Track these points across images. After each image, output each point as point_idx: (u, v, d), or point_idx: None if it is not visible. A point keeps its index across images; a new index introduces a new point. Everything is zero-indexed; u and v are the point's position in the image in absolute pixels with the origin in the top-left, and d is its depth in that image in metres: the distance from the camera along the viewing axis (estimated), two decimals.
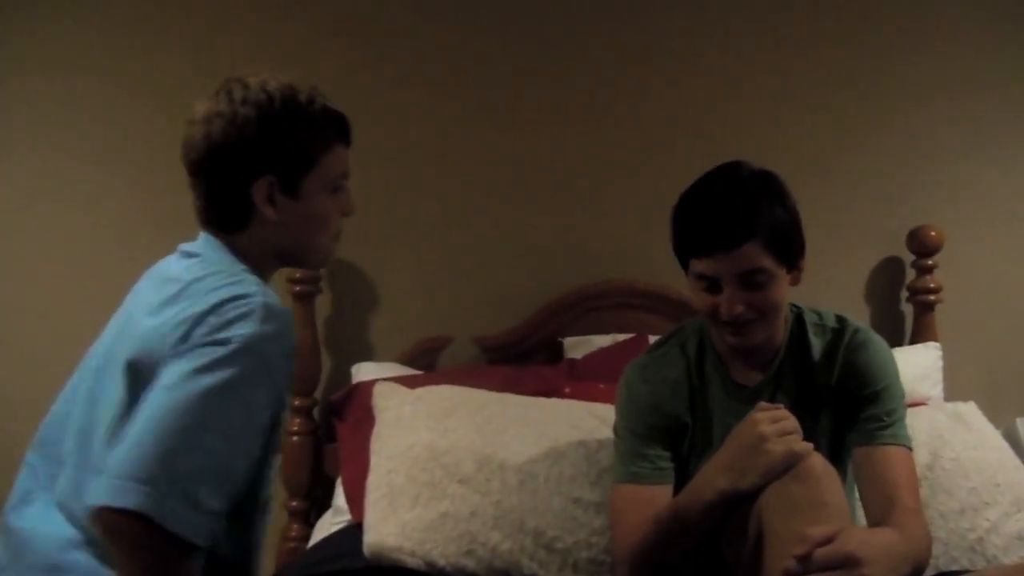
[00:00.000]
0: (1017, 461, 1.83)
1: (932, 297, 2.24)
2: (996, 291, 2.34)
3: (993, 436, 1.87)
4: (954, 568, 1.62)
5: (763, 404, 1.32)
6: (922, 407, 1.96)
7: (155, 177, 2.14)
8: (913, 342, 2.27)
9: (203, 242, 1.26)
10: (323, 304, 2.19)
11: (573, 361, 2.09)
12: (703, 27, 2.27)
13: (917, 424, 1.83)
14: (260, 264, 1.26)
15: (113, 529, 1.04)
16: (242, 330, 1.09)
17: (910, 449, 1.44)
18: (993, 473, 1.75)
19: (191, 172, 1.24)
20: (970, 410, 1.92)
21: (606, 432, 1.71)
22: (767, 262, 1.33)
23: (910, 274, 2.29)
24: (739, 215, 1.32)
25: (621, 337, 2.09)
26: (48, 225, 2.17)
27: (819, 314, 1.53)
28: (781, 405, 1.32)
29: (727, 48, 2.28)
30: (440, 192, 2.23)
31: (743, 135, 2.24)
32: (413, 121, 2.22)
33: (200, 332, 1.10)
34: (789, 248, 1.37)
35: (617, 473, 1.50)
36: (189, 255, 1.26)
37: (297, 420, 2.09)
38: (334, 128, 1.27)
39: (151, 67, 2.16)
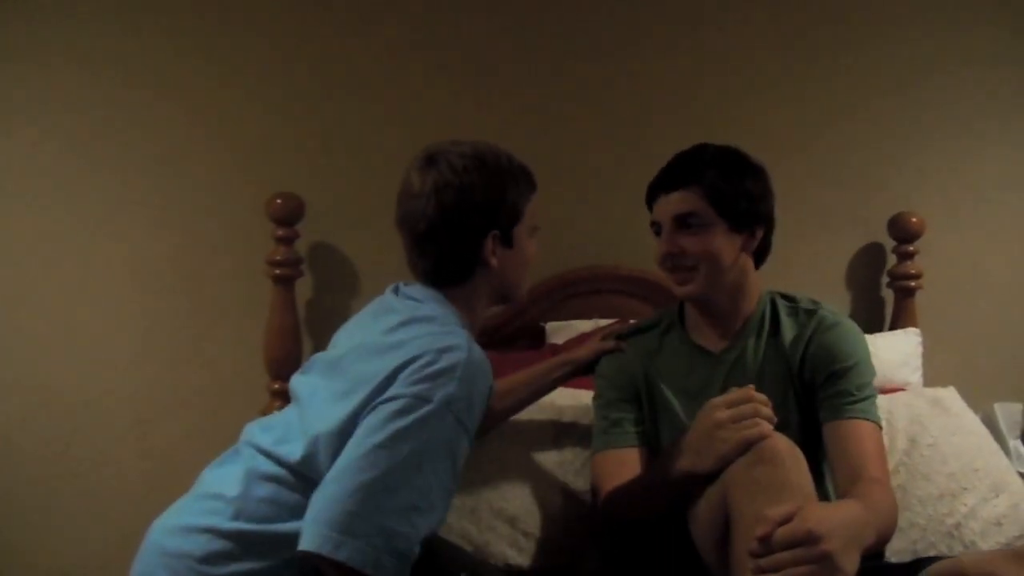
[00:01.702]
0: (995, 446, 1.84)
1: (913, 283, 2.25)
2: (976, 277, 2.35)
3: (972, 421, 1.88)
4: (931, 553, 1.63)
5: (732, 390, 1.34)
6: (901, 392, 1.97)
7: (137, 167, 2.13)
8: (893, 328, 2.28)
9: (421, 290, 1.38)
10: (304, 287, 2.17)
11: (556, 346, 2.09)
12: (684, 12, 2.26)
13: (896, 410, 1.85)
14: (475, 308, 1.41)
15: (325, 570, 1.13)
16: (446, 389, 1.18)
17: (879, 427, 1.46)
18: (971, 458, 1.76)
19: (420, 239, 1.36)
20: (949, 395, 1.94)
21: (589, 418, 1.71)
22: (700, 208, 1.47)
23: (891, 260, 2.30)
24: (681, 167, 1.51)
25: (603, 322, 2.09)
26: (26, 213, 2.13)
27: (794, 297, 1.59)
28: (751, 388, 1.32)
29: (708, 34, 2.27)
30: None
31: (725, 121, 2.24)
32: (395, 105, 2.20)
33: (406, 377, 1.19)
34: (732, 207, 1.48)
35: (594, 444, 1.60)
36: (409, 297, 1.39)
37: (276, 405, 2.07)
38: (529, 181, 1.42)
39: (132, 53, 2.12)
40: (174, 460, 2.14)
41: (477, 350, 1.25)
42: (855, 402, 1.44)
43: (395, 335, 1.28)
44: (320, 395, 1.28)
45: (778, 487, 1.17)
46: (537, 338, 2.17)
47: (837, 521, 1.08)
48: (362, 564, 1.10)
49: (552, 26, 2.23)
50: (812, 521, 1.06)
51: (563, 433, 1.78)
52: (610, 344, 1.66)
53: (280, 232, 2.06)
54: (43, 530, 2.14)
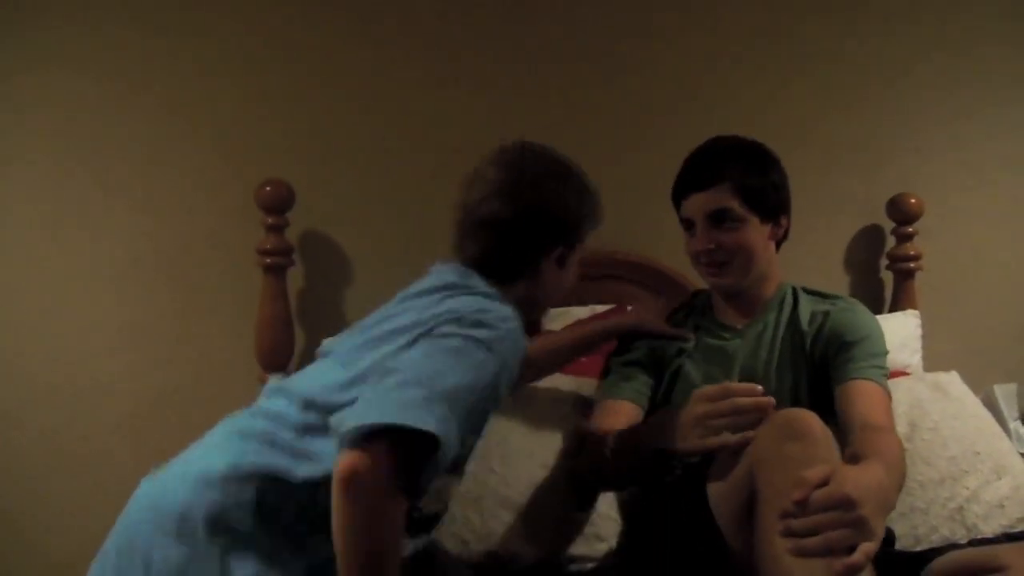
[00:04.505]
0: (997, 429, 1.84)
1: (912, 265, 2.24)
2: (975, 258, 2.35)
3: (974, 404, 1.88)
4: (934, 537, 1.62)
5: (725, 384, 1.35)
6: (902, 378, 1.96)
7: (123, 155, 2.10)
8: (893, 310, 2.27)
9: (463, 269, 1.32)
10: (295, 277, 2.14)
11: (552, 333, 2.06)
12: (682, 2, 2.24)
13: (897, 395, 1.82)
14: None
15: (358, 465, 1.01)
16: (497, 329, 1.16)
17: (888, 395, 1.52)
18: (973, 441, 1.76)
19: (478, 224, 1.32)
20: (951, 379, 1.93)
21: (590, 404, 1.70)
22: (735, 205, 1.54)
23: (890, 242, 2.29)
24: (712, 163, 1.57)
25: (600, 308, 2.07)
26: (11, 206, 2.10)
27: (818, 291, 1.69)
28: (753, 386, 1.30)
29: (708, 20, 2.25)
30: (415, 163, 2.18)
31: (725, 105, 2.23)
32: (389, 94, 2.17)
33: (454, 321, 1.16)
34: (761, 200, 1.56)
35: (602, 391, 1.68)
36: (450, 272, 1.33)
37: None
38: (599, 213, 1.42)
39: (116, 42, 2.09)
40: (166, 453, 2.10)
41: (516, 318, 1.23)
42: (864, 367, 1.51)
43: (436, 295, 1.24)
44: (354, 341, 1.25)
45: (808, 462, 1.16)
46: (533, 324, 2.14)
47: (871, 486, 1.09)
48: (438, 430, 1.03)
49: (553, 16, 2.20)
50: (849, 485, 1.07)
51: (570, 422, 1.75)
52: (681, 332, 1.67)
53: (270, 220, 2.03)
54: (32, 525, 2.12)
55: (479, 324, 1.16)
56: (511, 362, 1.19)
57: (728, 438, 1.26)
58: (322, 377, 1.23)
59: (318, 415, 1.16)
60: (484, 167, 1.35)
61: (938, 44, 2.30)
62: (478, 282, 1.29)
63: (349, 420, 1.04)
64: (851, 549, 1.04)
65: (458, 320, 1.16)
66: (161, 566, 1.11)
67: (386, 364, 1.13)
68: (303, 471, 1.12)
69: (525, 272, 1.34)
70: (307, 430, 1.15)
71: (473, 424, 1.16)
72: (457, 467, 1.32)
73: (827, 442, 1.22)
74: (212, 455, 1.19)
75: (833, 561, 1.04)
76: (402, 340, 1.16)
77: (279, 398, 1.23)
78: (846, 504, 1.05)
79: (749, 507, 1.22)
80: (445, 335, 1.14)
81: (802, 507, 1.07)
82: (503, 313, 1.20)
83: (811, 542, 1.05)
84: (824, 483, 1.08)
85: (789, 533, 1.07)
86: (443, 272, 1.32)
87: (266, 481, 1.13)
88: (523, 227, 1.31)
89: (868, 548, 1.04)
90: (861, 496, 1.06)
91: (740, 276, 1.60)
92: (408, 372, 1.09)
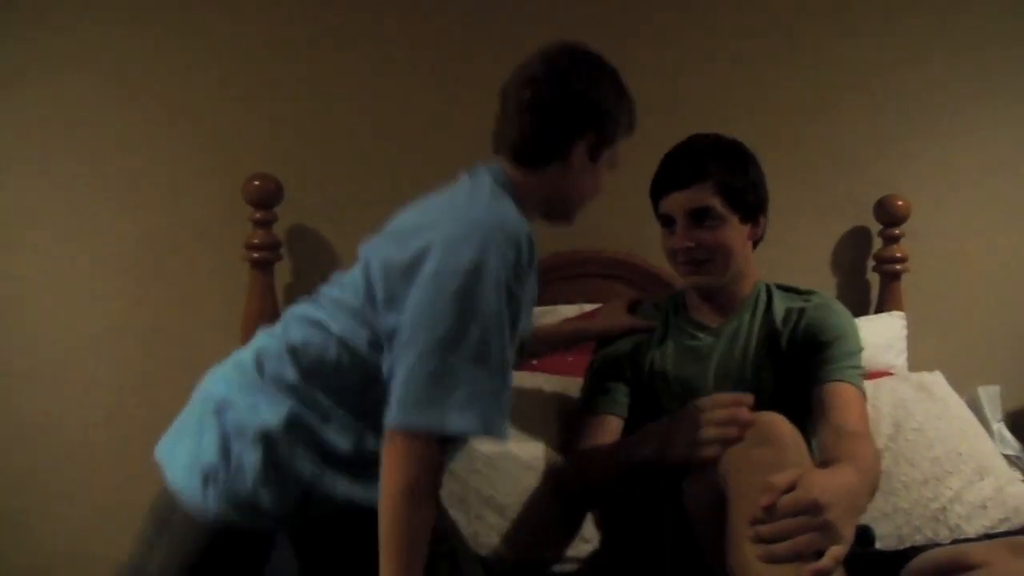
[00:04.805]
0: (980, 430, 1.85)
1: (898, 267, 2.24)
2: (961, 261, 2.36)
3: (957, 405, 1.88)
4: (917, 538, 1.63)
5: (716, 396, 1.35)
6: (886, 378, 1.97)
7: (110, 148, 2.09)
8: (879, 311, 2.28)
9: (490, 171, 1.35)
10: (283, 272, 2.13)
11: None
12: (671, 1, 2.24)
13: (881, 395, 1.85)
14: (529, 205, 1.35)
15: (408, 455, 1.13)
16: (483, 253, 1.16)
17: (863, 394, 1.50)
18: (956, 442, 1.77)
19: (519, 107, 1.34)
20: (935, 380, 1.94)
21: (574, 405, 1.69)
22: (716, 204, 1.53)
23: (877, 244, 2.30)
24: (694, 161, 1.56)
25: (588, 307, 2.07)
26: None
27: (792, 287, 1.68)
28: (743, 398, 1.31)
29: (695, 22, 2.25)
30: (403, 159, 2.17)
31: (712, 106, 2.23)
32: (378, 90, 2.16)
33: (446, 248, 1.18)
34: (742, 200, 1.55)
35: (580, 403, 1.69)
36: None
37: None
38: (634, 120, 1.43)
39: (100, 36, 2.07)
40: (151, 447, 2.10)
41: (522, 222, 1.24)
42: (838, 369, 1.50)
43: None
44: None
45: (777, 467, 1.17)
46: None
47: (838, 490, 1.10)
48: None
49: (538, 14, 2.19)
50: (816, 490, 1.07)
51: (555, 423, 1.76)
52: (643, 323, 1.70)
53: (258, 215, 2.02)
54: (15, 520, 2.10)
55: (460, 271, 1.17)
56: (508, 267, 1.19)
57: (714, 451, 1.26)
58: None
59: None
60: (528, 61, 1.38)
61: (926, 47, 2.31)
62: (485, 191, 1.31)
63: (395, 418, 1.13)
64: (820, 554, 1.05)
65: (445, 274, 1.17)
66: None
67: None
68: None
69: (557, 156, 1.34)
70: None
71: (511, 332, 1.19)
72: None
73: (796, 446, 1.22)
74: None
75: (801, 566, 1.05)
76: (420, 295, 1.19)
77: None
78: (813, 509, 1.06)
79: (722, 513, 1.22)
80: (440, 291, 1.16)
81: (770, 512, 1.08)
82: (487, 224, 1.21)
83: (779, 548, 1.06)
84: (792, 488, 1.08)
85: (758, 539, 1.08)
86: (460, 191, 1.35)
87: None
88: (557, 108, 1.32)
89: (837, 552, 1.05)
90: (829, 500, 1.07)
91: (718, 275, 1.59)
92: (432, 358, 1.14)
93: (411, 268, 1.20)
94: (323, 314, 1.29)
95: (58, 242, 2.09)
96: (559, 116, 1.33)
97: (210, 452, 1.21)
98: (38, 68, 2.06)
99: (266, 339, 1.32)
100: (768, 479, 1.10)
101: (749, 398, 1.30)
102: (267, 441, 1.20)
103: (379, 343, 1.23)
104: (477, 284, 1.14)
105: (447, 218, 1.24)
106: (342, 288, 1.32)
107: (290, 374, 1.24)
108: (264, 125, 2.13)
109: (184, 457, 1.25)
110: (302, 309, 1.35)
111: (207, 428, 1.24)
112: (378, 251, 1.30)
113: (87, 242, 2.10)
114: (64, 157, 2.08)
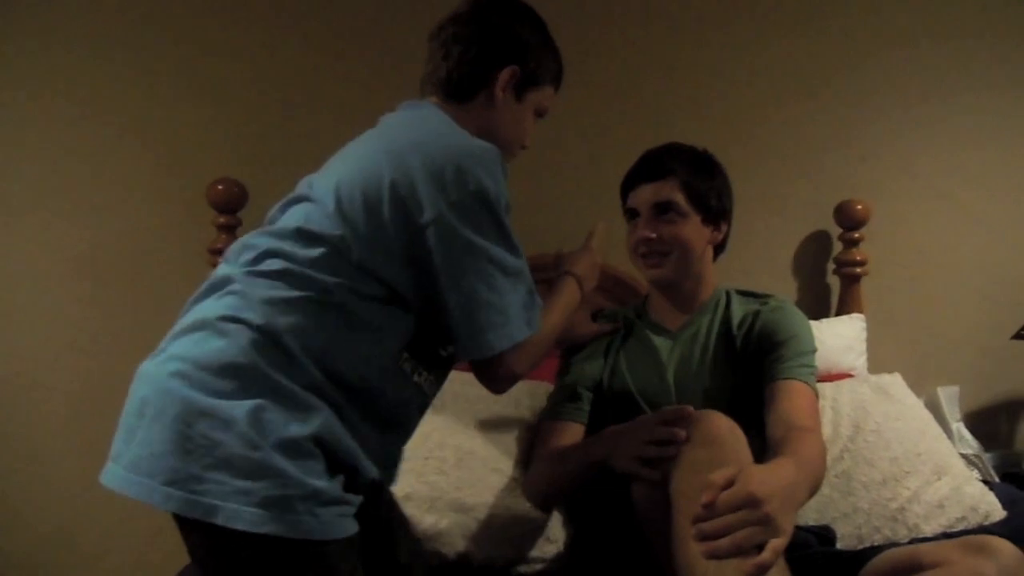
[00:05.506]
0: (938, 430, 1.87)
1: (858, 270, 2.27)
2: (920, 264, 2.39)
3: (916, 406, 1.91)
4: (876, 537, 1.65)
5: (665, 409, 1.38)
6: (846, 380, 1.99)
7: (73, 152, 2.06)
8: (839, 313, 2.30)
9: (428, 107, 1.37)
10: None
11: None
12: (630, 5, 2.25)
13: (840, 396, 1.87)
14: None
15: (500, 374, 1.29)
16: (485, 182, 1.21)
17: (815, 393, 1.54)
18: (915, 443, 1.79)
19: (444, 42, 1.37)
20: (894, 381, 1.96)
21: (540, 409, 1.70)
22: (679, 199, 1.61)
23: (837, 247, 2.32)
24: (663, 159, 1.65)
25: None
26: None
27: (751, 292, 1.73)
28: (685, 409, 1.32)
29: (657, 25, 2.27)
30: None
31: (676, 110, 2.25)
32: (343, 94, 2.16)
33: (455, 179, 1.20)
34: (705, 201, 1.63)
35: (546, 411, 1.72)
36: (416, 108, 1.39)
37: None
38: (559, 70, 1.46)
39: (65, 39, 2.05)
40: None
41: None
42: (792, 367, 1.54)
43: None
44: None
45: (716, 465, 1.18)
46: None
47: (776, 483, 1.12)
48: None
49: None
50: (754, 484, 1.09)
51: (521, 425, 1.77)
52: (608, 327, 1.75)
53: (222, 219, 2.01)
54: None
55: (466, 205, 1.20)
56: (501, 183, 1.24)
57: (651, 473, 1.29)
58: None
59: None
60: (457, 6, 1.41)
61: (885, 51, 2.34)
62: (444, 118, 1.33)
63: (476, 354, 1.24)
64: (761, 547, 1.07)
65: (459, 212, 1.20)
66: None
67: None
68: None
69: (482, 85, 1.36)
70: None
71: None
72: None
73: (735, 444, 1.24)
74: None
75: (744, 561, 1.06)
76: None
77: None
78: (751, 503, 1.08)
79: (668, 513, 1.23)
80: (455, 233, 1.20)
81: (711, 510, 1.10)
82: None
83: (721, 543, 1.08)
84: (730, 484, 1.10)
85: (701, 536, 1.10)
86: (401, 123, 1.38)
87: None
88: (479, 38, 1.36)
89: (776, 544, 1.07)
90: (766, 494, 1.08)
91: (676, 270, 1.65)
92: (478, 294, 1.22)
93: (401, 199, 1.20)
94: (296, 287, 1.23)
95: (19, 246, 2.08)
96: (481, 45, 1.36)
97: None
98: (2, 75, 2.04)
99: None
100: (708, 477, 1.12)
101: (687, 409, 1.32)
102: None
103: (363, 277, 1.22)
104: (489, 207, 1.21)
105: (425, 148, 1.24)
106: (307, 243, 1.28)
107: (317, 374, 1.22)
108: (229, 129, 2.12)
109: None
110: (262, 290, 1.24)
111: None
112: (347, 184, 1.29)
113: (50, 246, 2.08)
114: (26, 161, 2.06)
